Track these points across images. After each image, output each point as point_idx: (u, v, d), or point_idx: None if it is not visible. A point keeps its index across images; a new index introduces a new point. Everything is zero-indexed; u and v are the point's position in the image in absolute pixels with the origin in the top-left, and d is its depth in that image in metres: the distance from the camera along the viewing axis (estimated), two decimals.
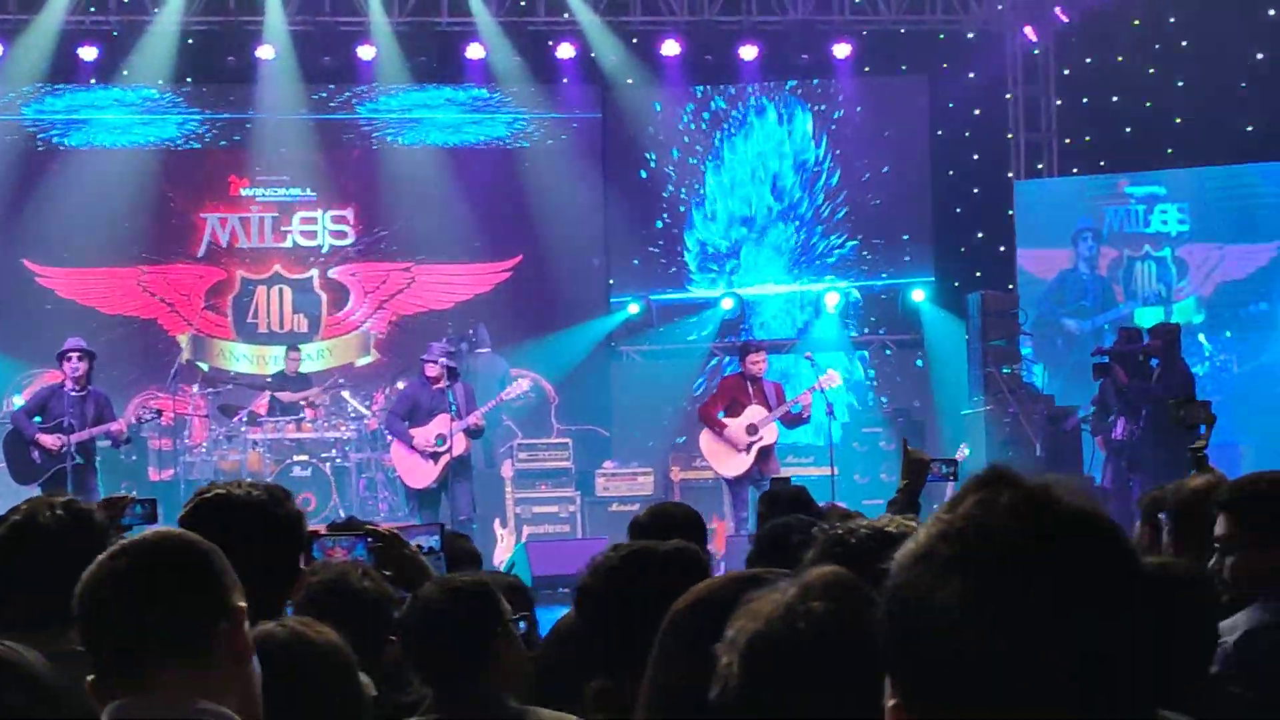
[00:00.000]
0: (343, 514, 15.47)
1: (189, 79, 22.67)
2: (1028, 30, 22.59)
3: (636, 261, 23.37)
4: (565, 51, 22.49)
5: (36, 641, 4.25)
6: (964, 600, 1.68)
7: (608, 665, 3.72)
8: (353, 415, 20.27)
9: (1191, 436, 9.53)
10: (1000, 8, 22.69)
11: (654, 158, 23.31)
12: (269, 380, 20.98)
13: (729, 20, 22.51)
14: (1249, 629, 5.09)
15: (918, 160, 23.04)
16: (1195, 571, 4.77)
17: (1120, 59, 21.75)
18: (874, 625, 2.24)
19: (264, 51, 21.97)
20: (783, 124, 23.44)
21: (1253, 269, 21.95)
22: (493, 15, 21.99)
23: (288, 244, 23.02)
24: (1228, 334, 22.05)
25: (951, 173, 22.87)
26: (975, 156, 22.91)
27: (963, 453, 18.89)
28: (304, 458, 19.69)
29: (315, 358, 22.28)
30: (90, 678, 3.00)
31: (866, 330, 23.27)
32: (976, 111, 22.81)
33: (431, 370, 17.25)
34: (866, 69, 22.97)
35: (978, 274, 22.06)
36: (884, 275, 23.20)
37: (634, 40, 22.71)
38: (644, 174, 23.37)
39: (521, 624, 4.79)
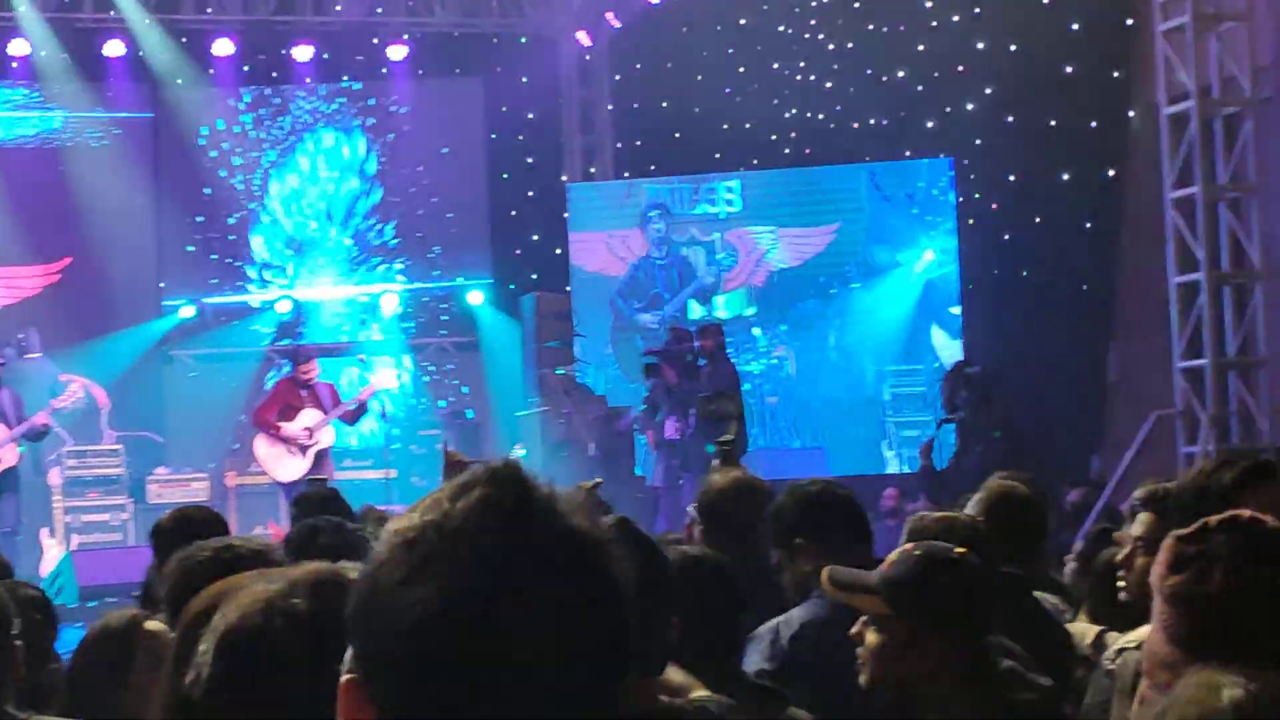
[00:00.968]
0: None
1: None
2: (581, 35, 22.93)
3: (189, 264, 23.02)
4: (114, 49, 22.13)
5: None
6: (425, 600, 1.69)
7: None
8: None
9: (721, 430, 9.83)
10: (554, 12, 22.93)
11: (207, 159, 22.99)
12: None
13: (282, 20, 22.49)
14: (803, 622, 5.30)
15: (473, 163, 23.32)
16: (722, 561, 4.90)
17: (670, 65, 22.25)
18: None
19: None
20: (339, 126, 23.39)
21: (810, 255, 22.63)
22: (38, 11, 21.47)
23: None
24: (783, 328, 22.71)
25: (507, 175, 23.21)
26: (530, 159, 23.24)
27: (517, 454, 19.07)
28: None
29: None
30: None
31: (424, 333, 23.28)
32: (531, 115, 23.20)
33: None
34: (421, 71, 23.08)
35: (534, 276, 22.35)
36: (441, 277, 23.31)
37: (185, 39, 22.40)
38: (207, 174, 23.03)
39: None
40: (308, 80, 23.26)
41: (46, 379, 20.40)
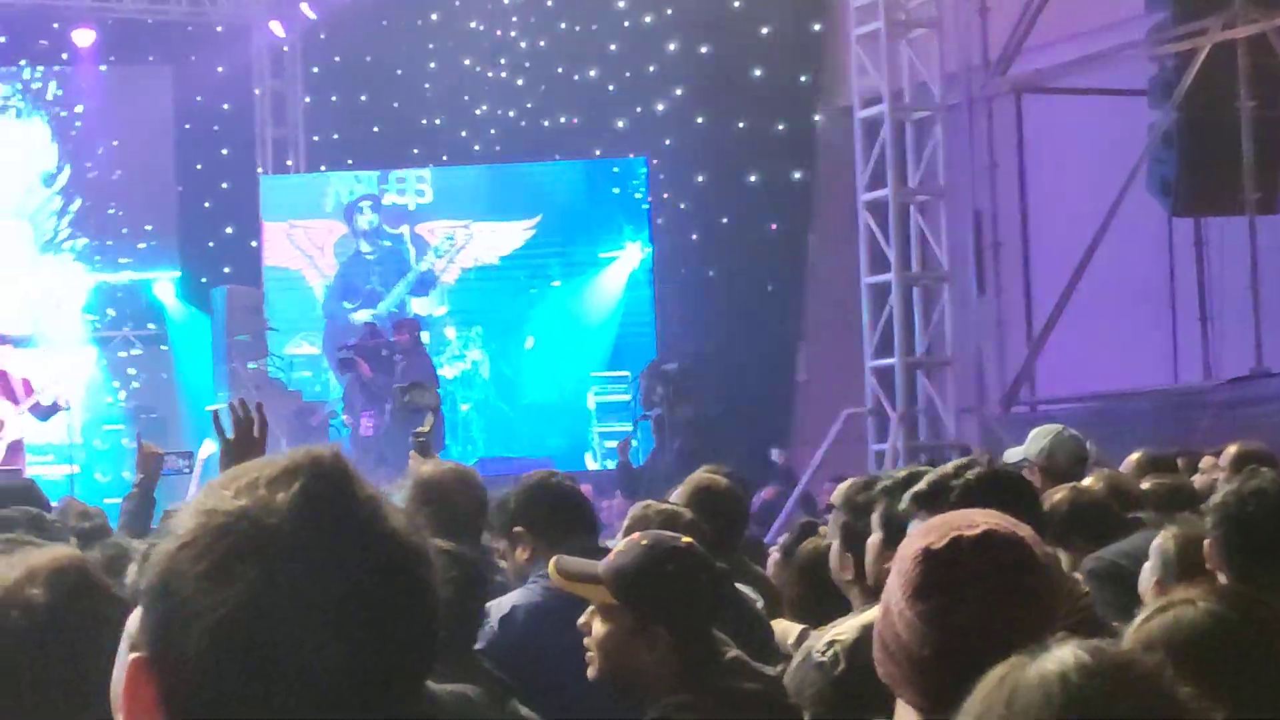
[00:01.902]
0: None
1: None
2: (274, 25, 22.68)
3: None
4: None
5: None
6: (230, 601, 1.60)
7: None
8: None
9: (417, 421, 9.79)
10: (246, 1, 22.66)
11: None
12: None
13: None
14: (514, 605, 5.33)
15: (163, 152, 22.86)
16: (457, 551, 4.89)
17: (367, 59, 22.14)
18: (102, 619, 2.27)
19: None
20: (19, 112, 22.76)
21: (507, 250, 22.40)
22: None
23: None
24: (478, 329, 22.38)
25: (199, 166, 22.82)
26: (224, 150, 22.90)
27: (208, 448, 18.78)
28: None
29: None
30: None
31: (110, 324, 22.78)
32: (225, 105, 22.84)
33: None
34: (111, 58, 22.55)
35: (227, 269, 22.00)
36: (129, 268, 22.79)
37: None
38: None
39: None
40: None
41: None
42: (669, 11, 21.68)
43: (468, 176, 22.90)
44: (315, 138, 23.42)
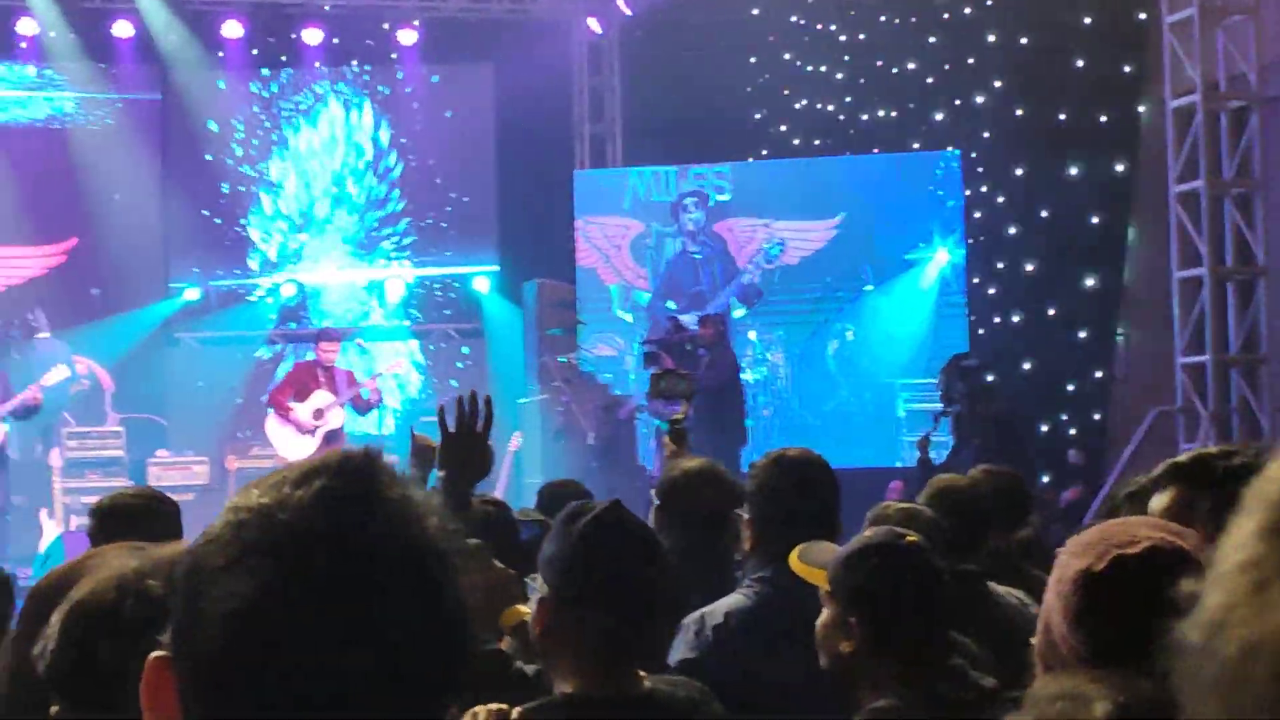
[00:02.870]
0: None
1: None
2: (591, 21, 22.89)
3: (195, 246, 23.01)
4: (123, 30, 22.13)
5: None
6: (239, 594, 1.60)
7: None
8: None
9: (723, 417, 9.78)
10: None
11: (214, 141, 22.98)
12: None
13: (293, 3, 22.50)
14: (727, 611, 5.25)
15: (483, 149, 23.23)
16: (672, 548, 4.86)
17: (682, 54, 22.20)
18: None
19: None
20: (348, 110, 23.42)
21: (809, 251, 22.06)
22: None
23: None
24: (779, 333, 22.07)
25: (516, 162, 23.05)
26: (539, 146, 23.09)
27: (516, 442, 19.06)
28: None
29: None
30: None
31: (428, 318, 23.25)
32: (541, 101, 23.00)
33: None
34: (432, 56, 23.02)
35: (540, 264, 22.25)
36: (447, 264, 23.27)
37: (194, 20, 22.38)
38: (209, 157, 23.05)
39: None
40: (316, 64, 23.25)
41: (55, 358, 20.44)
42: (988, 3, 21.35)
43: (769, 172, 22.61)
44: (629, 133, 23.55)
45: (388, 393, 18.74)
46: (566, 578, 3.80)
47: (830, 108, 22.64)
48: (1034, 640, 5.72)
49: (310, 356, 18.53)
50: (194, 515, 5.83)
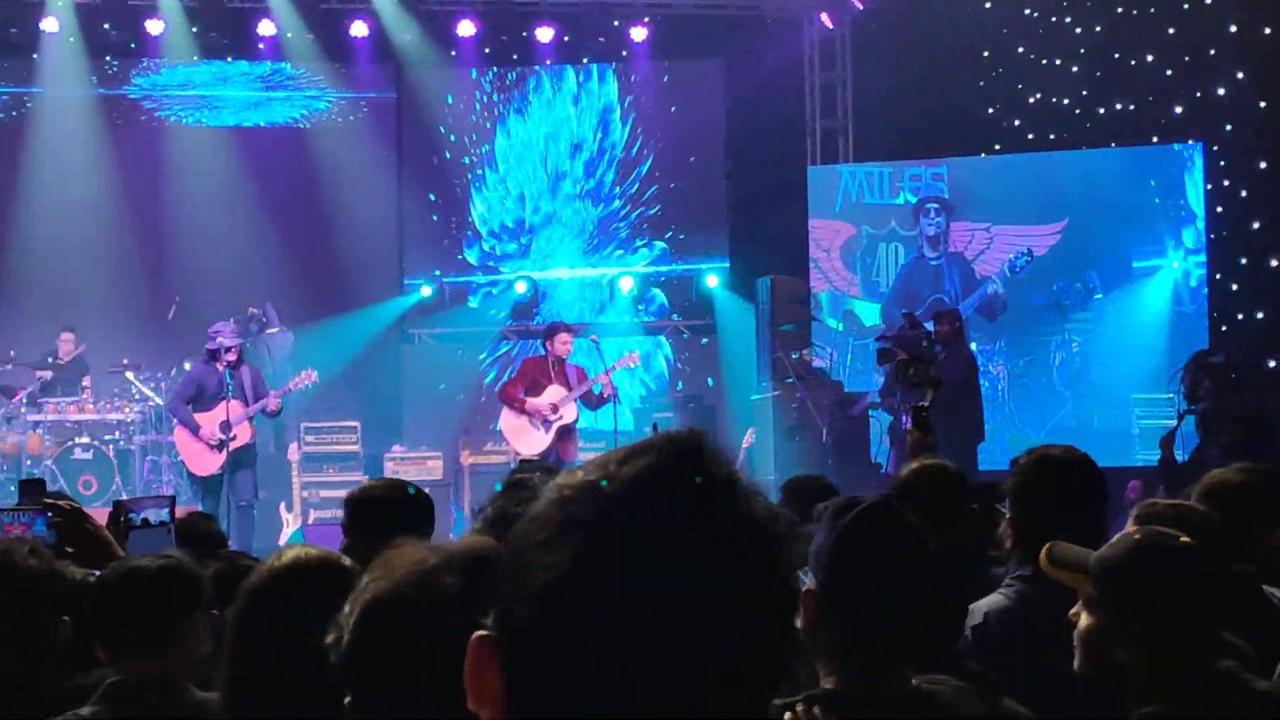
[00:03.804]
0: (125, 497, 15.23)
1: None
2: (824, 16, 22.78)
3: (429, 244, 23.31)
4: (359, 30, 22.44)
5: None
6: (558, 565, 1.59)
7: None
8: (137, 397, 19.93)
9: (958, 411, 9.68)
10: None
11: (450, 139, 23.23)
12: (51, 361, 20.50)
13: (525, 2, 22.65)
14: (986, 612, 5.16)
15: (713, 145, 23.25)
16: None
17: (915, 48, 22.00)
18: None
19: (48, 24, 21.62)
20: (578, 106, 23.59)
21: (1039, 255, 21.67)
22: None
23: None
24: (1001, 342, 21.65)
25: (746, 158, 23.06)
26: (770, 142, 23.05)
27: (749, 438, 19.03)
28: (86, 440, 19.37)
29: None
30: None
31: (659, 315, 23.32)
32: (771, 98, 22.95)
33: (216, 352, 17.00)
34: (662, 53, 23.09)
35: (770, 260, 22.17)
36: (678, 260, 23.29)
37: (429, 20, 22.63)
38: (448, 155, 23.36)
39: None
40: (548, 62, 23.42)
41: (289, 350, 20.81)
42: None
43: (992, 170, 22.19)
44: (860, 129, 23.40)
45: (619, 388, 18.78)
46: (831, 572, 3.73)
47: (1065, 101, 22.33)
48: None
49: (540, 352, 18.64)
50: None
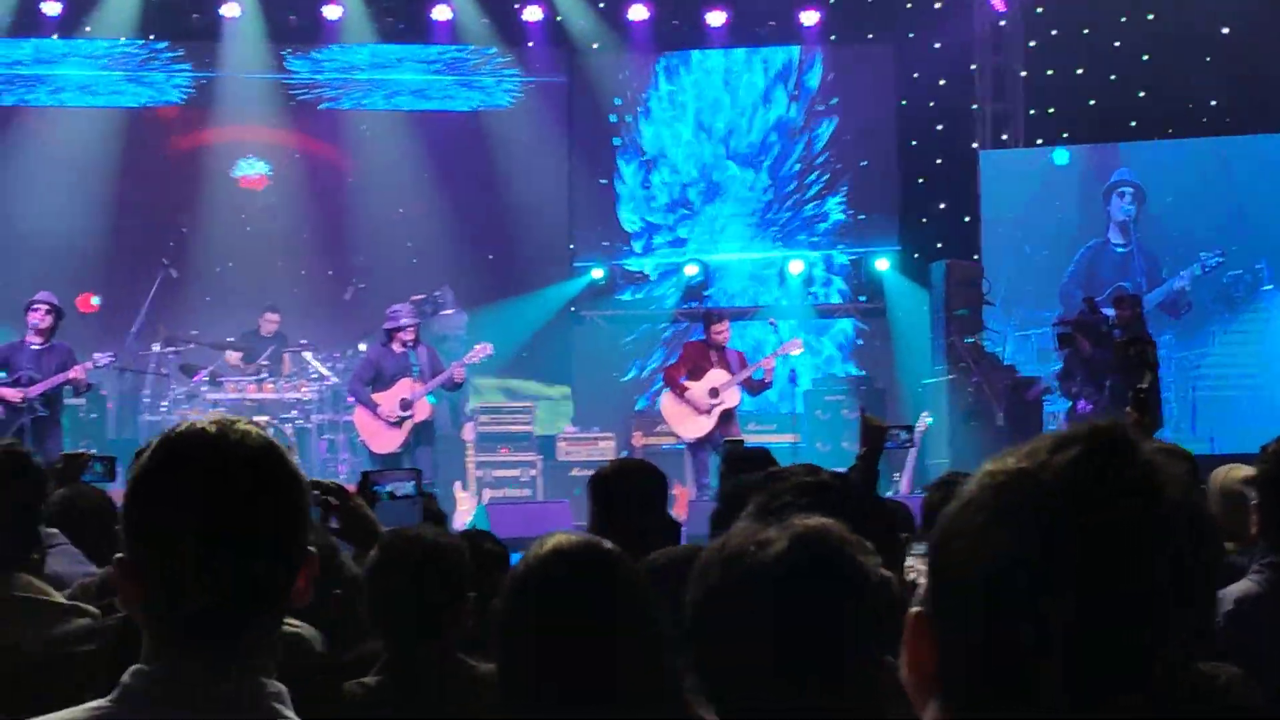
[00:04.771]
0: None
1: (152, 37, 22.52)
2: (994, 0, 22.64)
3: (600, 226, 23.41)
4: (533, 14, 22.62)
5: None
6: (1000, 545, 1.65)
7: None
8: (314, 376, 20.16)
9: (1138, 377, 9.56)
10: None
11: (621, 123, 23.35)
12: (230, 340, 20.78)
13: None
14: (1237, 599, 5.10)
15: (883, 129, 23.21)
16: None
17: (1086, 31, 21.83)
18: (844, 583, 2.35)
19: (229, 9, 21.94)
20: (749, 90, 23.57)
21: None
22: None
23: None
24: (1167, 336, 21.00)
25: (916, 142, 23.02)
26: (940, 126, 23.02)
27: (924, 422, 18.99)
28: (265, 419, 19.58)
29: None
30: None
31: (830, 299, 23.30)
32: (942, 81, 22.91)
33: (395, 333, 17.18)
34: (833, 37, 23.05)
35: (940, 244, 22.10)
36: (849, 244, 23.29)
37: (601, 4, 22.74)
38: (616, 140, 23.44)
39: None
40: (720, 46, 23.45)
41: (463, 332, 21.01)
42: None
43: (1163, 154, 21.85)
44: (1033, 112, 23.24)
45: (797, 371, 18.79)
46: None
47: (1245, 82, 21.93)
48: None
49: (701, 337, 18.67)
50: None
